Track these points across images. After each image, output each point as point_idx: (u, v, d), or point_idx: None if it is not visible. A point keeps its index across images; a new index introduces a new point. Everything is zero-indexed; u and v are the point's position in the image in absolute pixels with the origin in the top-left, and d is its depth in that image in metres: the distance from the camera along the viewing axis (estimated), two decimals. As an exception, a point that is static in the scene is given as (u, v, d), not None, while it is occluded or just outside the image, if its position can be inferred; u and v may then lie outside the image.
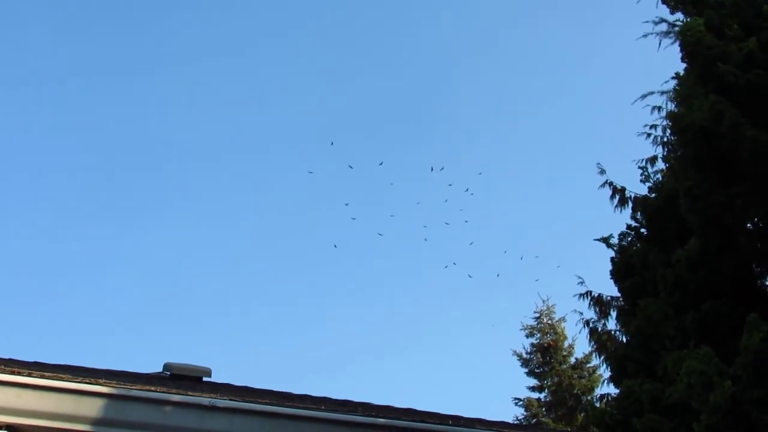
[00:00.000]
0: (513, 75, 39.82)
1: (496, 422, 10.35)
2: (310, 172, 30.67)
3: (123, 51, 36.25)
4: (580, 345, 25.73)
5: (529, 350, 26.48)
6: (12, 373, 7.41)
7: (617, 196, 17.52)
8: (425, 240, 21.24)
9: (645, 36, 16.75)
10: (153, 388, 8.00)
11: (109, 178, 36.08)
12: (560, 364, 25.70)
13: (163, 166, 37.93)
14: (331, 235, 38.38)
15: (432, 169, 18.42)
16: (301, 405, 8.52)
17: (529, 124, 39.19)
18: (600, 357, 19.34)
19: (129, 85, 36.29)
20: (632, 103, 17.17)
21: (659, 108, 17.07)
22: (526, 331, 26.66)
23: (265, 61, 38.12)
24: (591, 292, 18.53)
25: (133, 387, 7.81)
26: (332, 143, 35.92)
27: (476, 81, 38.14)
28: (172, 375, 9.88)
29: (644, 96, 17.21)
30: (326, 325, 37.63)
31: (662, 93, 16.66)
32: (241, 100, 37.50)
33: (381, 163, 19.25)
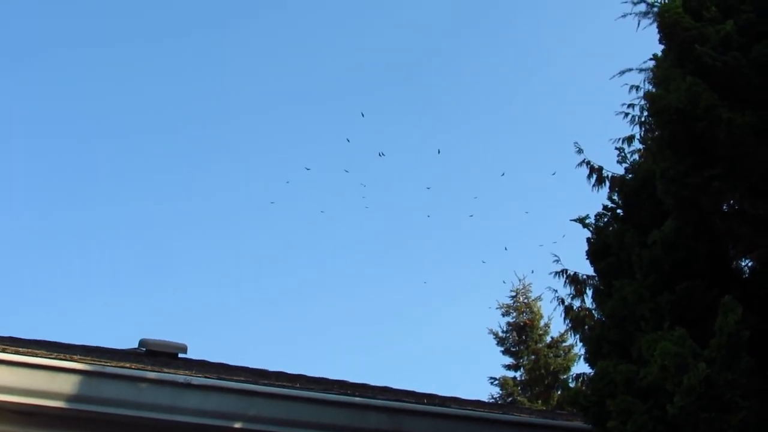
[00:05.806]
0: (488, 52, 39.77)
1: (472, 401, 10.38)
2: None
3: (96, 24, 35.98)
4: (556, 324, 25.95)
5: (504, 329, 26.62)
6: (-15, 349, 7.37)
7: (594, 176, 17.63)
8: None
9: (624, 16, 16.82)
10: (128, 365, 7.98)
11: (84, 149, 35.88)
12: (536, 342, 25.86)
13: (135, 137, 37.76)
14: (310, 206, 38.31)
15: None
16: (276, 383, 8.53)
17: (504, 101, 39.20)
18: (575, 335, 19.53)
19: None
20: (610, 79, 17.23)
21: (637, 87, 17.17)
22: (502, 310, 26.80)
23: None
24: (567, 270, 18.66)
25: (108, 363, 7.79)
26: None
27: (450, 57, 38.08)
28: (147, 351, 9.86)
29: (622, 72, 17.28)
30: (301, 300, 37.66)
31: (640, 71, 16.68)
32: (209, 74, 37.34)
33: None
